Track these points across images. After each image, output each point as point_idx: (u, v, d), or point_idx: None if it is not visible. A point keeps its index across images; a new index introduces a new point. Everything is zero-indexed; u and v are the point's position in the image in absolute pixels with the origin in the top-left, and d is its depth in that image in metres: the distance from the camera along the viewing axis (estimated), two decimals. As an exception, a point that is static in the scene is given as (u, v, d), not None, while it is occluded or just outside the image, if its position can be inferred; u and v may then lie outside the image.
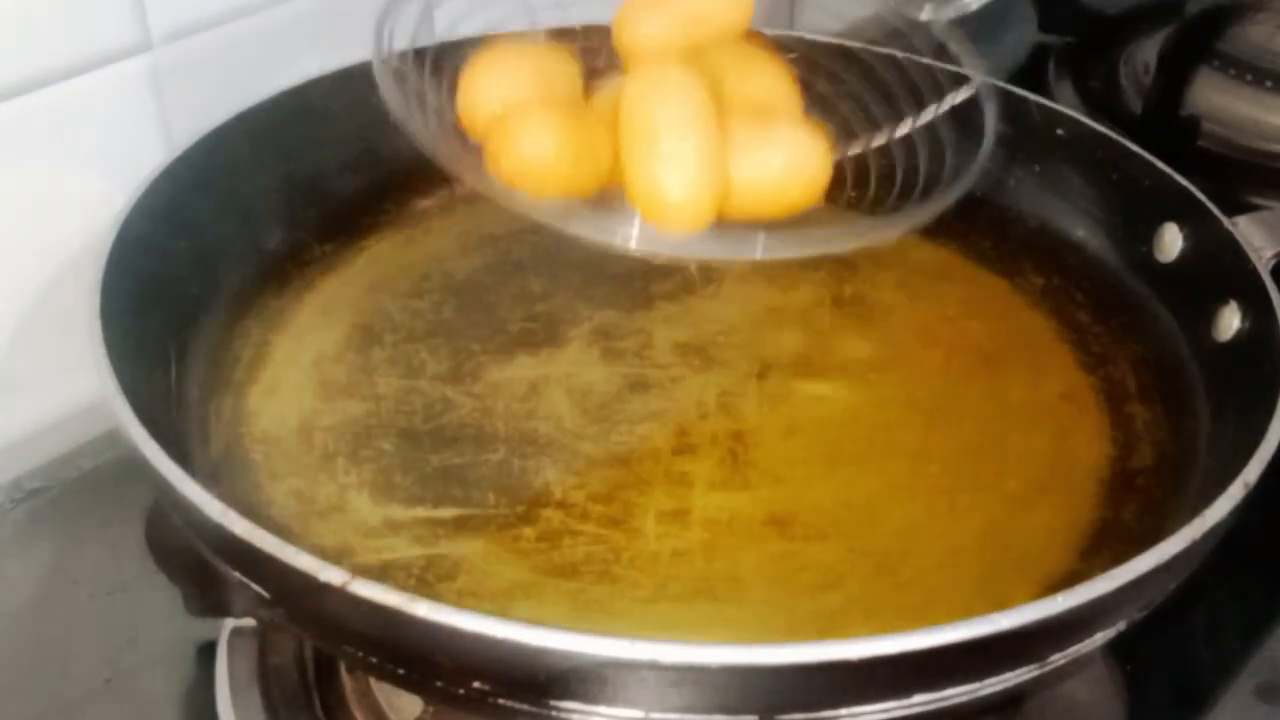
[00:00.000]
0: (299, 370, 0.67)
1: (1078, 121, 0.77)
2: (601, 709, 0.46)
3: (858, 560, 0.58)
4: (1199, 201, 0.69)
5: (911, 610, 0.56)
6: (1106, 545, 0.59)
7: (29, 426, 0.75)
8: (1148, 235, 0.72)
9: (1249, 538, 0.66)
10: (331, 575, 0.45)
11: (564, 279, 0.74)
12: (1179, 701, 0.64)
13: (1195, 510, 0.50)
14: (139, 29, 0.74)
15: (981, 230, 0.78)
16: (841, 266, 0.76)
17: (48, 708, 0.63)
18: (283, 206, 0.75)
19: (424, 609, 0.44)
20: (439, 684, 0.48)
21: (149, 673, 0.65)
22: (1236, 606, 0.68)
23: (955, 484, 0.62)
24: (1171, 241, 0.71)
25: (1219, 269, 0.66)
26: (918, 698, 0.47)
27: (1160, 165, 0.72)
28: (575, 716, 0.46)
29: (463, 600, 0.55)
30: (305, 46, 0.78)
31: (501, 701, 0.47)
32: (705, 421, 0.65)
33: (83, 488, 0.74)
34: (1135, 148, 0.74)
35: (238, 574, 0.50)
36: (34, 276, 0.73)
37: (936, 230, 0.76)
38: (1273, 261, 0.66)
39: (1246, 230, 0.66)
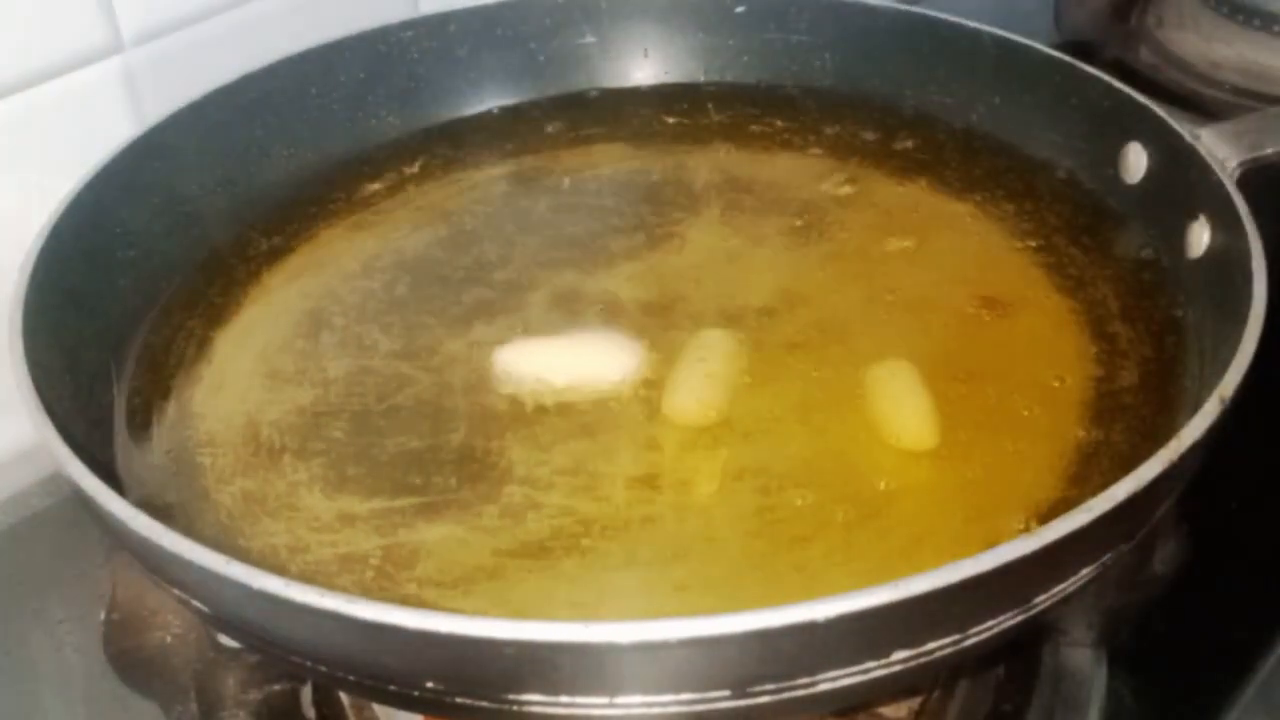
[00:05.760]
0: (244, 364, 0.64)
1: (1031, 49, 0.76)
2: (564, 699, 0.43)
3: (837, 508, 0.56)
4: (1159, 118, 0.67)
5: (897, 556, 0.54)
6: (1097, 469, 0.57)
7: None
8: (1113, 157, 0.71)
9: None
10: (265, 582, 0.43)
11: (520, 245, 0.72)
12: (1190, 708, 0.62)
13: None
14: (109, 31, 0.73)
15: (948, 164, 0.77)
16: (808, 211, 0.73)
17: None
18: (225, 204, 0.73)
19: (362, 609, 0.42)
20: (392, 688, 0.45)
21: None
22: (1247, 611, 0.66)
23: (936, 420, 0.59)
24: (1136, 161, 0.70)
25: (1185, 184, 0.65)
26: (897, 654, 0.44)
27: (1118, 85, 0.71)
28: (538, 709, 0.44)
29: (423, 589, 0.53)
30: (277, 43, 0.76)
31: (459, 700, 0.44)
32: (673, 381, 0.62)
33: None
34: (1091, 69, 0.73)
35: (176, 591, 0.48)
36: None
37: (903, 168, 0.76)
38: (1238, 172, 0.64)
39: (1210, 143, 0.65)
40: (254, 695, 0.61)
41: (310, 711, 0.60)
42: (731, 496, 0.56)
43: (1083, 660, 0.62)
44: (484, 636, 0.41)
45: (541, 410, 0.61)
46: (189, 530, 0.49)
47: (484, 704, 0.44)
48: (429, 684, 0.44)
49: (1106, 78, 0.72)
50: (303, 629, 0.44)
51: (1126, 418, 0.59)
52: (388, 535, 0.55)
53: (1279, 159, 0.65)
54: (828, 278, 0.69)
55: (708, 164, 0.78)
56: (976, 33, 0.77)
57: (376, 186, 0.77)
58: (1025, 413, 0.60)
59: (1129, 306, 0.65)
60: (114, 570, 0.65)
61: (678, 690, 0.43)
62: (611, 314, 0.67)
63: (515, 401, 0.61)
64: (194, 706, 0.60)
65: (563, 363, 0.63)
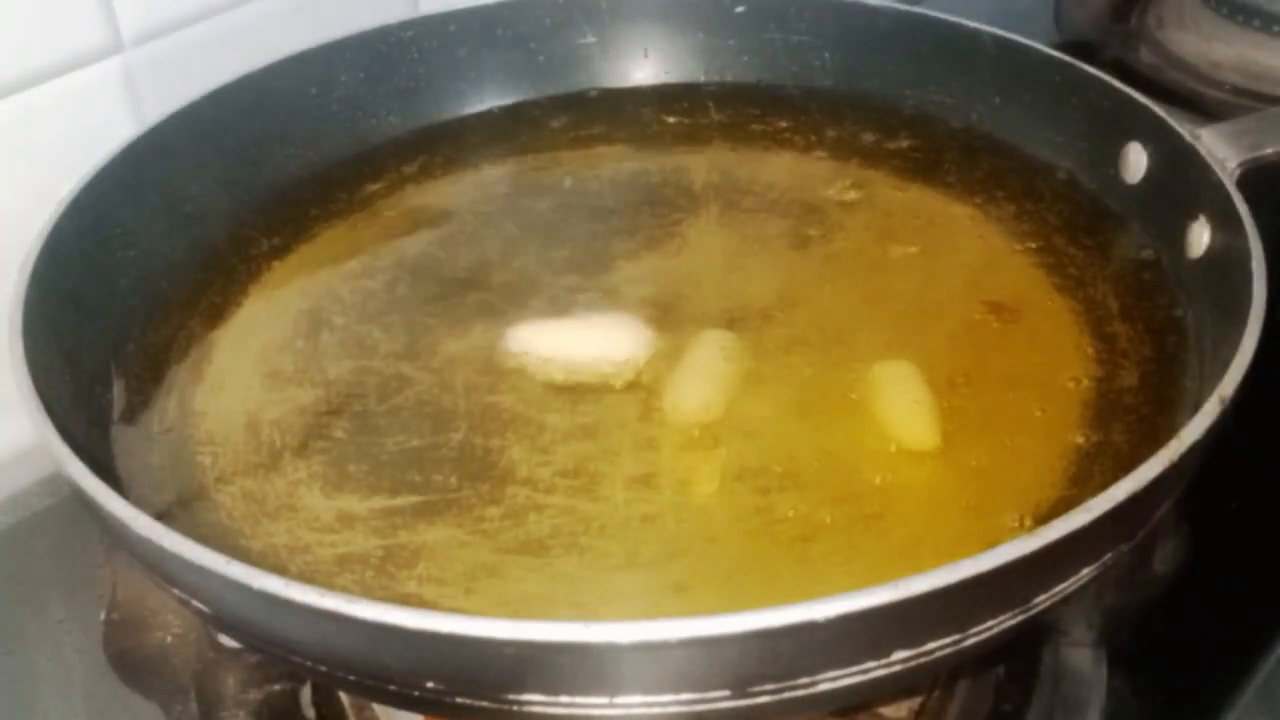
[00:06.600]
0: (245, 364, 0.64)
1: (1031, 49, 0.76)
2: (563, 699, 0.43)
3: (837, 508, 0.56)
4: (1160, 118, 0.67)
5: (897, 555, 0.54)
6: (1098, 469, 0.57)
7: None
8: (1113, 157, 0.71)
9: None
10: (265, 582, 0.43)
11: (521, 246, 0.72)
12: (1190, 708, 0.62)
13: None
14: (109, 31, 0.74)
15: (948, 164, 0.77)
16: (808, 212, 0.73)
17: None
18: (226, 205, 0.73)
19: (362, 609, 0.42)
20: (392, 688, 0.45)
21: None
22: (1247, 611, 0.66)
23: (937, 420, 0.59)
24: (1137, 161, 0.70)
25: (1186, 185, 0.65)
26: (897, 654, 0.44)
27: (1118, 85, 0.71)
28: (538, 709, 0.44)
29: (424, 586, 0.53)
30: (277, 43, 0.77)
31: (459, 700, 0.44)
32: (673, 382, 0.62)
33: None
34: (1091, 69, 0.73)
35: (176, 591, 0.48)
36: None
37: (903, 169, 0.76)
38: (1238, 172, 0.63)
39: (1210, 143, 0.65)
40: (254, 695, 0.61)
41: (310, 711, 0.60)
42: (731, 496, 0.56)
43: (1083, 660, 0.62)
44: (484, 636, 0.41)
45: (542, 409, 0.61)
46: (189, 530, 0.49)
47: (484, 704, 0.44)
48: (429, 684, 0.44)
49: (1106, 78, 0.72)
50: (303, 629, 0.44)
51: (1127, 418, 0.59)
52: (388, 535, 0.55)
53: (1279, 159, 0.65)
54: (828, 279, 0.69)
55: (708, 164, 0.78)
56: (976, 33, 0.77)
57: (376, 186, 0.77)
58: (1025, 413, 0.60)
59: (1129, 306, 0.65)
60: (114, 570, 0.65)
61: (678, 690, 0.43)
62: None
63: (515, 400, 0.61)
64: (194, 706, 0.60)
65: (566, 349, 0.63)
